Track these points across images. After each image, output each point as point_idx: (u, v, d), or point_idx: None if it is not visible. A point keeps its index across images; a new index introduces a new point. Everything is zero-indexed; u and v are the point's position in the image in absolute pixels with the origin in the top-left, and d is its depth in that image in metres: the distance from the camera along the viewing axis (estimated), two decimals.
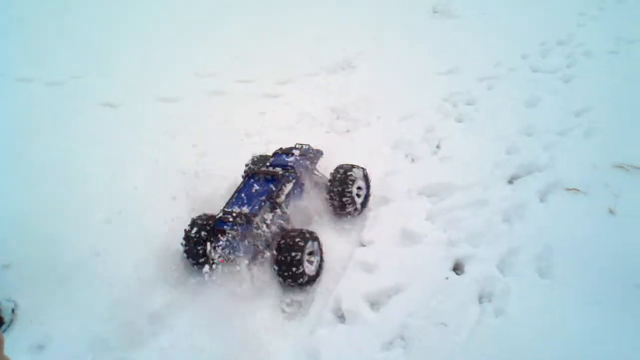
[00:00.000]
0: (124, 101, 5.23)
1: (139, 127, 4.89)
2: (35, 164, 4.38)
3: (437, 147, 4.47)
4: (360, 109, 4.93)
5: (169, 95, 5.28)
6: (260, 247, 3.37)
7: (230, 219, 3.30)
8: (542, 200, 3.67)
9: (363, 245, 3.61)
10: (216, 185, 3.90)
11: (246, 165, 4.01)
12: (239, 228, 3.27)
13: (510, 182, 3.94)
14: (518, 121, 4.60)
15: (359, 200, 3.82)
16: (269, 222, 3.43)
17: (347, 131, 4.72)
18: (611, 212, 3.46)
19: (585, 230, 3.35)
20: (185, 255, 3.38)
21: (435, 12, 6.40)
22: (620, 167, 3.82)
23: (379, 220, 3.76)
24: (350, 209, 3.76)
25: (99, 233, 3.65)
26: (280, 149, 4.03)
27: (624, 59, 5.32)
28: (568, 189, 3.70)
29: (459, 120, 4.76)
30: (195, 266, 3.36)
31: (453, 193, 3.87)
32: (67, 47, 6.15)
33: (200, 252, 3.32)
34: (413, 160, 4.36)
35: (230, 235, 3.25)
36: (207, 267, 3.15)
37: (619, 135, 4.20)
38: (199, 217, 3.45)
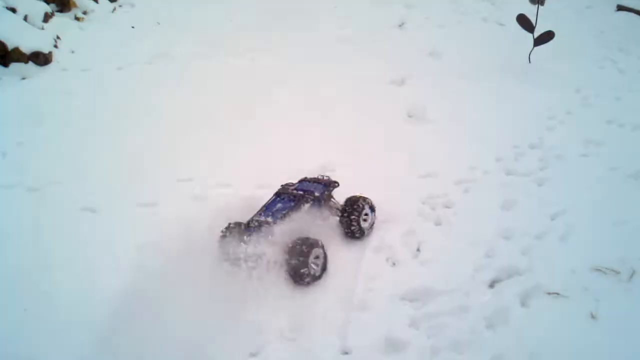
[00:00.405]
0: (103, 206, 5.22)
1: (118, 232, 4.88)
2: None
3: (418, 250, 4.50)
4: None
5: (148, 200, 5.28)
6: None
7: (256, 224, 4.31)
8: (523, 304, 3.69)
9: (346, 353, 3.56)
10: None
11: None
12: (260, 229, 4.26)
13: (491, 286, 3.96)
14: (496, 224, 4.67)
15: (365, 225, 4.66)
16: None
17: None
18: (593, 316, 3.48)
19: (569, 336, 3.37)
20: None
21: (410, 116, 6.59)
22: (598, 270, 3.87)
23: (362, 327, 3.73)
24: (357, 235, 4.62)
25: None
26: (305, 177, 4.97)
27: (593, 162, 5.48)
28: (549, 293, 3.73)
29: (438, 223, 4.81)
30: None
31: (435, 298, 3.88)
32: (46, 148, 6.17)
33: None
34: (394, 264, 4.38)
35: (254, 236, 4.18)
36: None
37: (594, 238, 4.29)
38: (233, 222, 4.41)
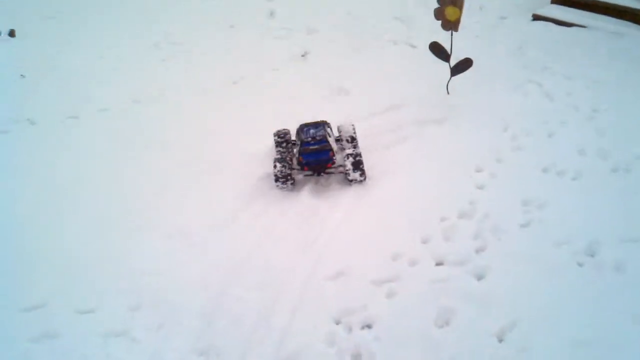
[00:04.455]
0: None
1: None
2: None
3: None
4: None
5: None
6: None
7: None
8: None
9: None
10: None
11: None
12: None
13: None
14: (431, 350, 3.63)
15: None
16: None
17: None
18: None
19: None
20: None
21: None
22: None
23: None
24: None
25: None
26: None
27: (536, 236, 4.52)
28: None
29: (357, 356, 3.71)
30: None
31: None
32: None
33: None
34: None
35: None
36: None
37: None
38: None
